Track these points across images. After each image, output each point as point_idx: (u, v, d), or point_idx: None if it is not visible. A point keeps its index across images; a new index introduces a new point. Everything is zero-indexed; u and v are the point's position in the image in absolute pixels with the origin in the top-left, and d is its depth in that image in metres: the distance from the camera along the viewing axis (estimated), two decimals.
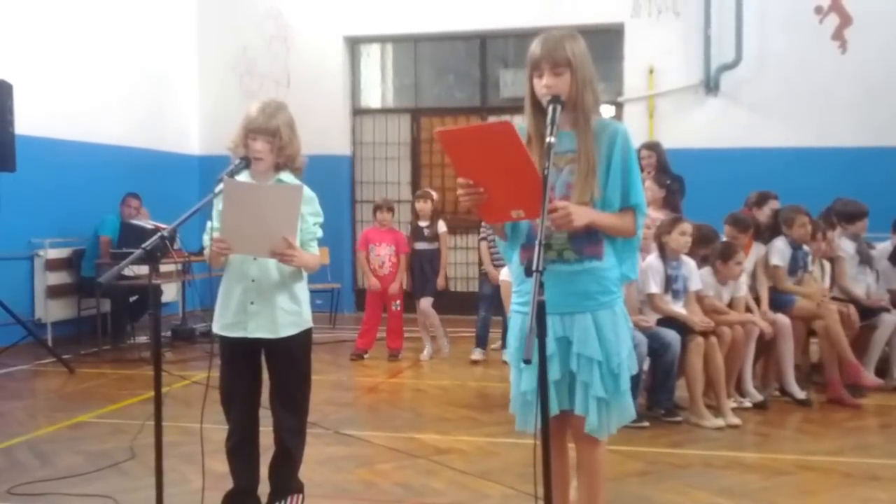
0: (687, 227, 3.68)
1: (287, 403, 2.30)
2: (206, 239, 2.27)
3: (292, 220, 2.12)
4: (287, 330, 2.24)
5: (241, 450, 2.29)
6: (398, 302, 5.09)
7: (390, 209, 5.16)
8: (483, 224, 5.05)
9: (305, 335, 2.30)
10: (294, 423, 2.32)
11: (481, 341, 5.08)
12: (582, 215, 1.70)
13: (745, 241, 4.01)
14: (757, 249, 4.14)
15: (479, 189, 1.67)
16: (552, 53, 1.73)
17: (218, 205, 2.15)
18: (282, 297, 2.23)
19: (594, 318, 1.77)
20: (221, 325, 2.24)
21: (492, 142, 1.61)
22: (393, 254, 5.08)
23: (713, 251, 3.84)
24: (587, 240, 1.78)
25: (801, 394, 3.90)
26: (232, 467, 2.31)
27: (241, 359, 2.24)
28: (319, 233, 2.29)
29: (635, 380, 3.29)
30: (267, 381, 2.31)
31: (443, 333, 5.15)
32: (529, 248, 1.79)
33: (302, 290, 2.30)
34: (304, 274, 2.29)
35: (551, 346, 1.74)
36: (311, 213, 2.24)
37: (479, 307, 5.09)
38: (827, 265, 4.30)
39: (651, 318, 3.60)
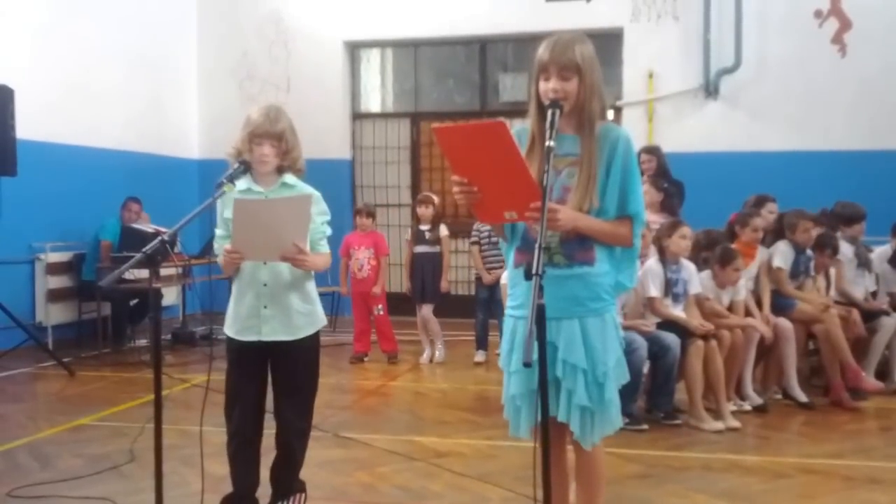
0: (686, 230, 3.69)
1: (297, 406, 2.30)
2: (217, 247, 2.29)
3: (303, 227, 2.14)
4: (304, 331, 2.26)
5: (243, 453, 2.29)
6: (380, 306, 5.08)
7: (369, 214, 5.17)
8: (475, 227, 5.08)
9: (317, 335, 2.32)
10: (302, 426, 2.33)
11: (481, 343, 5.09)
12: (569, 219, 1.68)
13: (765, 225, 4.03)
14: (759, 253, 4.15)
15: (473, 188, 1.66)
16: (561, 57, 1.72)
17: (223, 211, 2.17)
18: (295, 299, 2.25)
19: (582, 324, 1.75)
20: (233, 329, 2.25)
21: (485, 141, 1.60)
22: (372, 256, 5.09)
23: (713, 255, 3.85)
24: (578, 245, 1.76)
25: (804, 398, 3.89)
26: (233, 471, 2.31)
27: (250, 362, 2.25)
28: (328, 231, 2.31)
29: (634, 383, 3.33)
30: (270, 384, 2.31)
31: (441, 341, 5.14)
32: (524, 251, 1.80)
33: (313, 288, 2.32)
34: (313, 272, 2.30)
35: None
36: (318, 213, 2.26)
37: (475, 311, 5.10)
38: (832, 273, 4.30)
39: (651, 322, 3.60)
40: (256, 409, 2.28)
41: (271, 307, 2.21)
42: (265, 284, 2.21)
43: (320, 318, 2.31)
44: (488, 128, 1.60)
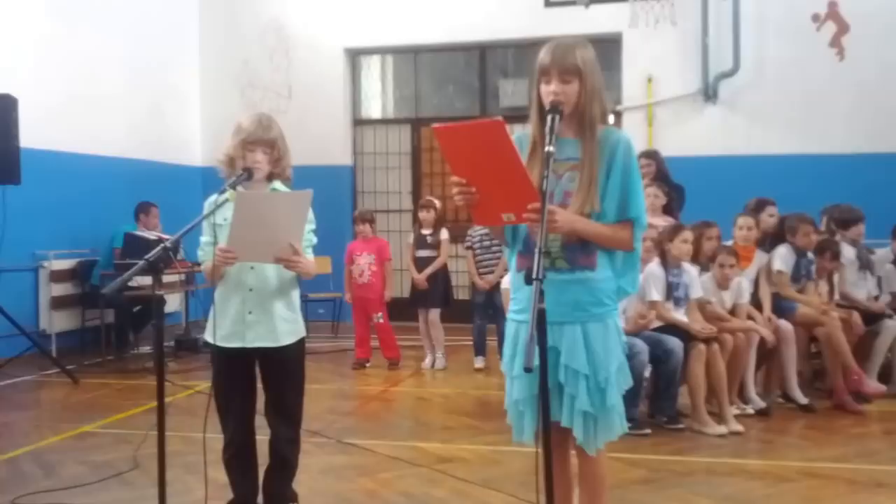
0: (688, 234, 3.69)
1: (284, 413, 2.31)
2: (200, 254, 2.28)
3: (300, 226, 2.13)
4: (287, 338, 2.26)
5: (238, 461, 2.30)
6: (380, 314, 5.07)
7: (365, 220, 5.17)
8: (468, 232, 5.08)
9: (301, 343, 2.32)
10: (290, 433, 2.33)
11: (479, 349, 5.08)
12: (566, 221, 1.68)
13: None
14: (759, 257, 4.15)
15: (472, 189, 1.66)
16: (562, 61, 1.72)
17: (212, 219, 2.17)
18: (279, 306, 2.24)
19: (584, 329, 1.75)
20: (217, 335, 2.24)
21: (484, 140, 1.60)
22: (373, 262, 5.09)
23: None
24: (580, 250, 1.76)
25: (804, 399, 3.90)
26: (231, 478, 2.32)
27: (236, 371, 2.25)
28: (314, 239, 2.31)
29: (636, 387, 3.32)
30: (261, 391, 2.31)
31: (441, 349, 5.12)
32: (526, 256, 1.80)
33: (297, 297, 2.33)
34: (297, 282, 2.30)
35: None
36: (307, 221, 2.26)
37: (473, 316, 5.09)
38: (836, 278, 4.30)
39: (650, 315, 3.58)
40: (247, 416, 2.29)
41: (256, 313, 2.20)
42: (251, 289, 2.21)
43: (302, 327, 2.31)
44: (487, 127, 1.60)
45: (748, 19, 6.54)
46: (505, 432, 1.96)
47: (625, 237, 1.78)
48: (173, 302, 6.39)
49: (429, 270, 5.02)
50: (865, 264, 4.47)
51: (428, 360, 5.16)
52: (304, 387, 2.35)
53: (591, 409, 1.75)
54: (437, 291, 5.08)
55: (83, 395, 4.43)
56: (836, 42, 6.51)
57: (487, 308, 4.95)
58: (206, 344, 2.32)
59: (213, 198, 2.25)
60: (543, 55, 1.76)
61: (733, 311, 3.87)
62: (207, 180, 7.31)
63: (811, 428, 3.61)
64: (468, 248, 5.03)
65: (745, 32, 6.54)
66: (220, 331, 2.23)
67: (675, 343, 3.50)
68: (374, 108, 7.69)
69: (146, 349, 5.65)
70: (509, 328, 1.88)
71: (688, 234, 3.69)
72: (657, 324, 3.62)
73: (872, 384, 4.04)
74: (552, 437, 1.58)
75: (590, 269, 1.77)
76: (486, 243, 4.92)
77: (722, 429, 3.47)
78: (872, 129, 6.37)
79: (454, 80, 7.49)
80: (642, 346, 3.42)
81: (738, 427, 3.49)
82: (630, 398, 3.05)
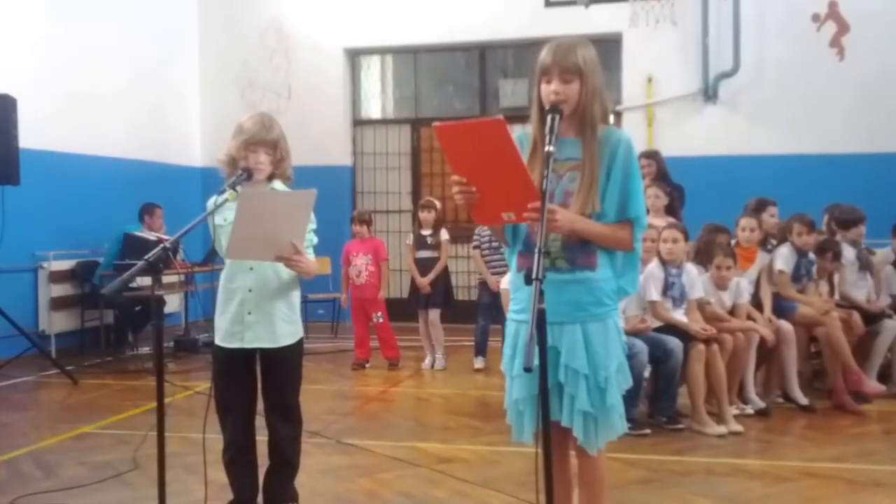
0: (668, 234, 3.68)
1: (285, 413, 2.31)
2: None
3: (303, 225, 2.13)
4: (286, 339, 2.26)
5: (238, 461, 2.30)
6: (379, 314, 5.06)
7: (363, 221, 5.17)
8: (476, 232, 5.07)
9: (300, 343, 2.32)
10: (292, 433, 2.33)
11: (480, 350, 5.07)
12: (566, 220, 1.68)
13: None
14: (761, 257, 4.15)
15: (472, 188, 1.65)
16: (563, 60, 1.72)
17: (212, 220, 2.17)
18: (279, 306, 2.25)
19: (584, 329, 1.75)
20: (218, 335, 2.25)
21: (485, 138, 1.60)
22: (370, 262, 5.08)
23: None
24: (581, 249, 1.77)
25: (804, 400, 3.90)
26: (231, 479, 2.32)
27: (236, 370, 2.25)
28: (315, 239, 2.31)
29: (636, 388, 3.33)
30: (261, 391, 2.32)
31: (441, 350, 5.12)
32: (526, 255, 1.80)
33: (297, 298, 2.33)
34: (298, 284, 2.31)
35: None
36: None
37: (477, 316, 5.08)
38: (836, 278, 4.30)
39: (650, 319, 3.59)
40: (248, 417, 2.29)
41: (255, 313, 2.21)
42: (250, 290, 2.21)
43: (300, 328, 2.32)
44: (488, 125, 1.60)
45: (748, 19, 6.54)
46: (505, 432, 1.96)
47: (624, 237, 1.78)
48: (173, 302, 6.38)
49: (431, 276, 5.01)
50: (865, 265, 4.48)
51: (428, 361, 5.15)
52: (301, 386, 2.35)
53: (590, 409, 1.75)
54: (437, 292, 5.07)
55: (82, 395, 4.42)
56: (836, 42, 6.51)
57: (492, 309, 4.93)
58: (207, 344, 2.32)
59: (213, 199, 2.25)
60: (545, 55, 1.76)
61: (733, 311, 3.87)
62: (207, 181, 7.33)
63: (811, 428, 3.61)
64: (475, 247, 5.01)
65: (745, 32, 6.54)
66: (220, 331, 2.24)
67: (674, 343, 3.50)
68: (373, 108, 7.69)
69: (146, 350, 5.64)
70: (509, 328, 1.88)
71: (667, 234, 3.67)
72: (657, 324, 3.62)
73: (872, 384, 4.04)
74: (552, 437, 1.58)
75: (590, 269, 1.77)
76: (495, 244, 4.91)
77: (721, 429, 3.47)
78: (872, 129, 6.37)
79: (454, 80, 7.49)
80: (642, 346, 3.42)
81: (738, 427, 3.49)
82: (630, 398, 3.06)
